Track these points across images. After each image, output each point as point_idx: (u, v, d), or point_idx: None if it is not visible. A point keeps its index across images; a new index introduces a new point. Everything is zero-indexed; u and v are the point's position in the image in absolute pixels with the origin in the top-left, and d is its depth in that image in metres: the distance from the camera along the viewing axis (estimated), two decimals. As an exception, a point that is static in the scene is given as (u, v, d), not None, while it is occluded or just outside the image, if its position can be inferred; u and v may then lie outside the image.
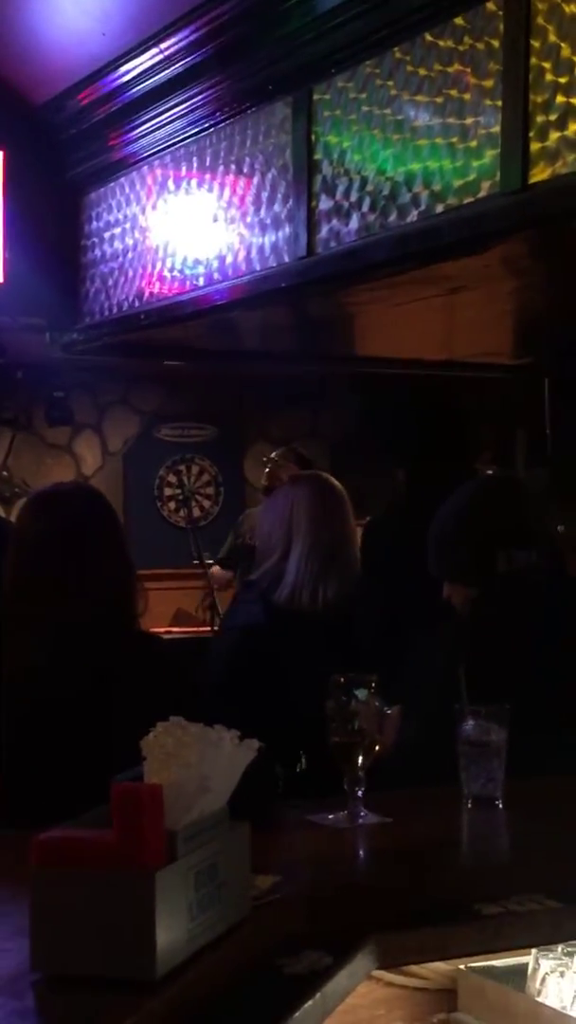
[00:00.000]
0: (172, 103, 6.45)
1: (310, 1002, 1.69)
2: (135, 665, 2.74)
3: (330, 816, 2.47)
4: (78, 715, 2.66)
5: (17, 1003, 1.62)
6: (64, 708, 2.67)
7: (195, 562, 8.54)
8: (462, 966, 2.26)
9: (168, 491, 10.38)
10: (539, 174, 4.46)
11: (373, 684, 2.56)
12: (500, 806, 2.54)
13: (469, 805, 2.56)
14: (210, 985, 1.70)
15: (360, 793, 2.49)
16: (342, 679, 2.56)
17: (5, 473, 9.70)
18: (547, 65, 4.42)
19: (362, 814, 2.47)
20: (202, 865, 1.76)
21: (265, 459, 7.98)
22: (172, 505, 10.37)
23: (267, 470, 7.65)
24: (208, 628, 8.29)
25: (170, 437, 10.50)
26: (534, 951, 2.23)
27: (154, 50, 6.22)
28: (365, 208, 5.29)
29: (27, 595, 2.78)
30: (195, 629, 8.52)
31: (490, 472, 6.14)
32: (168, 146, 6.71)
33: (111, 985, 1.62)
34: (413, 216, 5.03)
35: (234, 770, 1.88)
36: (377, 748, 2.54)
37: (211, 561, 8.45)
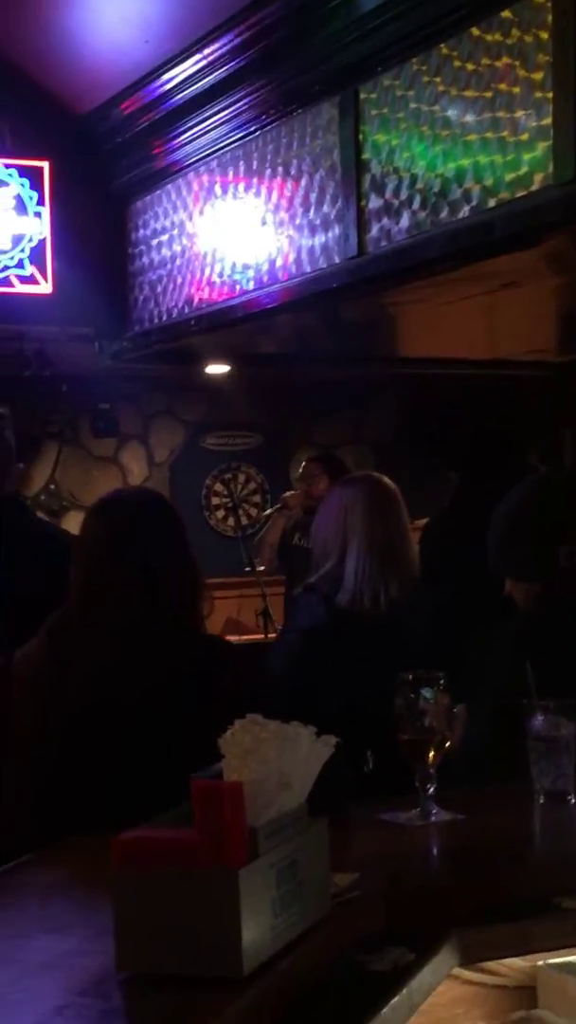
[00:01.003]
0: (216, 108, 6.47)
1: (397, 998, 1.69)
2: (203, 666, 2.74)
3: (402, 814, 2.47)
4: (145, 715, 2.67)
5: (104, 1004, 1.63)
6: (130, 708, 2.67)
7: (247, 569, 8.53)
8: (540, 962, 2.24)
9: (215, 500, 10.40)
10: (593, 163, 4.46)
11: (441, 681, 2.56)
12: (573, 801, 2.52)
13: (541, 801, 2.54)
14: (295, 982, 1.70)
15: (431, 791, 2.48)
16: (410, 677, 2.56)
17: (52, 486, 9.74)
18: (598, 53, 4.41)
19: (434, 811, 2.46)
20: (283, 862, 1.76)
21: (290, 491, 8.00)
22: (220, 514, 10.38)
23: (300, 490, 7.67)
24: (261, 635, 8.28)
25: (216, 446, 10.52)
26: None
27: (197, 56, 6.24)
28: (416, 206, 5.29)
29: (94, 601, 2.78)
30: (248, 637, 8.52)
31: (545, 469, 6.12)
32: (214, 151, 6.73)
33: (197, 983, 1.63)
34: (464, 212, 5.03)
35: (312, 766, 1.88)
36: (447, 745, 2.53)
37: (262, 568, 8.40)
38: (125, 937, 1.68)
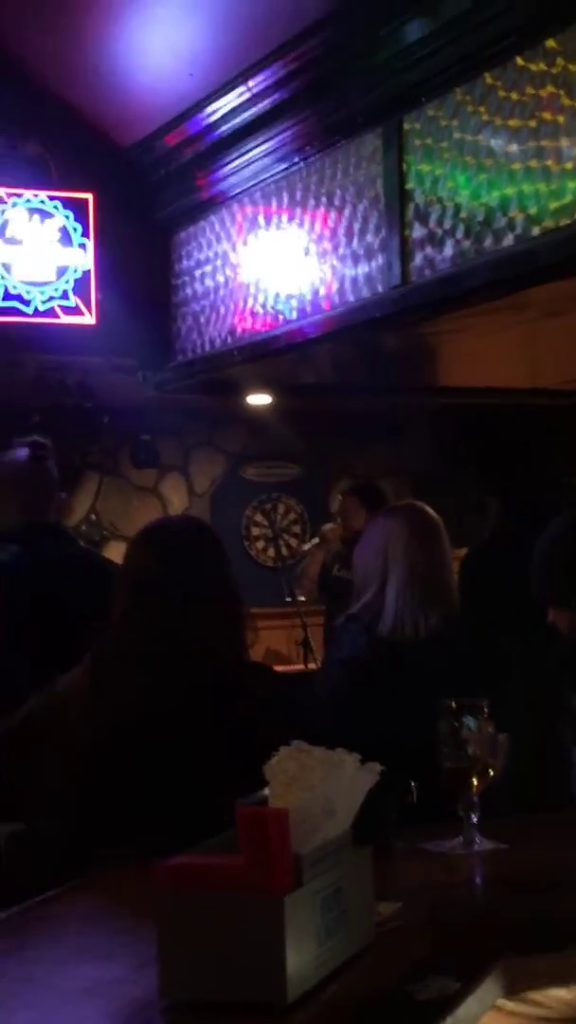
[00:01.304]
0: (260, 140, 6.50)
1: (442, 1027, 1.67)
2: (248, 692, 2.73)
3: (446, 843, 2.46)
4: (181, 737, 2.66)
5: (148, 1030, 1.62)
6: (165, 729, 2.67)
7: (287, 600, 8.52)
8: (586, 995, 2.22)
9: (256, 531, 10.40)
10: None
11: (485, 709, 2.55)
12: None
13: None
14: (339, 1010, 1.69)
15: (475, 819, 2.47)
16: (453, 704, 2.55)
17: (93, 516, 9.77)
18: None
19: (477, 840, 2.46)
20: (328, 890, 1.76)
21: (329, 524, 7.99)
22: (260, 544, 10.38)
23: (337, 524, 7.66)
24: (302, 665, 8.27)
25: (256, 477, 10.52)
26: None
27: (241, 87, 6.28)
28: (459, 235, 5.30)
29: (137, 629, 2.78)
30: (288, 667, 8.50)
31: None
32: (257, 183, 6.76)
33: (241, 1011, 1.63)
34: (509, 240, 5.03)
35: (356, 793, 1.88)
36: (491, 773, 2.52)
37: (303, 599, 8.41)
38: (169, 963, 1.68)
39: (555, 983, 2.05)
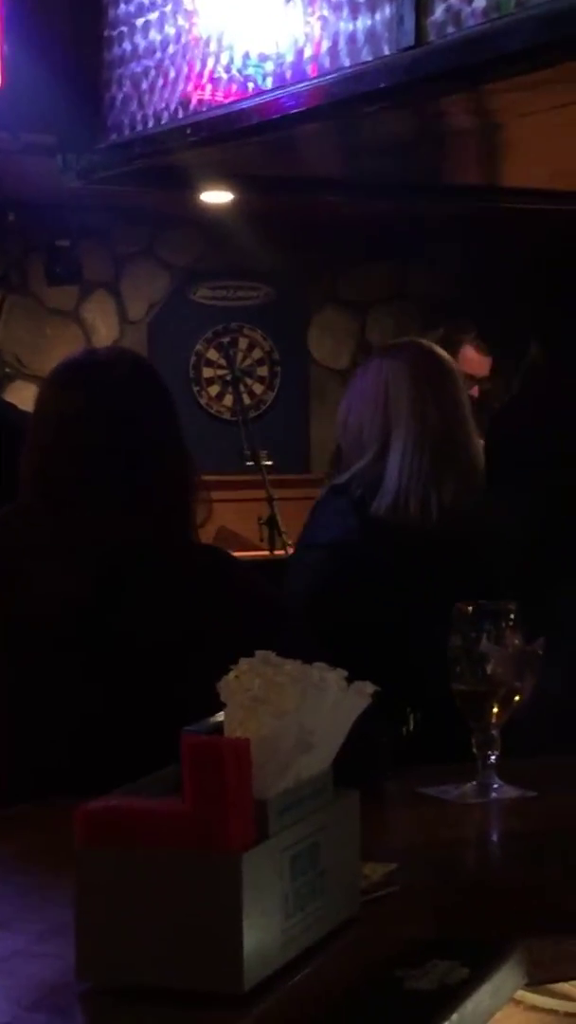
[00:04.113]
0: None
1: (444, 1025, 1.70)
2: (201, 588, 2.74)
3: (455, 789, 2.49)
4: (131, 658, 2.67)
5: (61, 1021, 1.64)
6: (110, 651, 2.68)
7: (248, 464, 8.53)
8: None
9: (208, 372, 10.40)
10: None
11: (512, 616, 2.56)
12: None
13: None
14: (311, 1001, 1.71)
15: (493, 759, 2.50)
16: (469, 609, 2.57)
17: (-7, 348, 9.75)
18: None
19: (496, 785, 2.49)
20: (301, 846, 1.77)
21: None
22: (214, 390, 10.38)
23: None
24: (266, 551, 8.30)
25: (210, 300, 10.52)
26: None
27: None
28: (495, -21, 5.25)
29: (55, 501, 2.77)
30: (247, 553, 8.54)
31: None
32: None
33: (183, 999, 1.64)
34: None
35: (341, 722, 1.89)
36: (516, 699, 2.54)
37: (269, 463, 8.43)
38: (88, 936, 1.70)
39: (591, 971, 2.10)
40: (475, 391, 7.06)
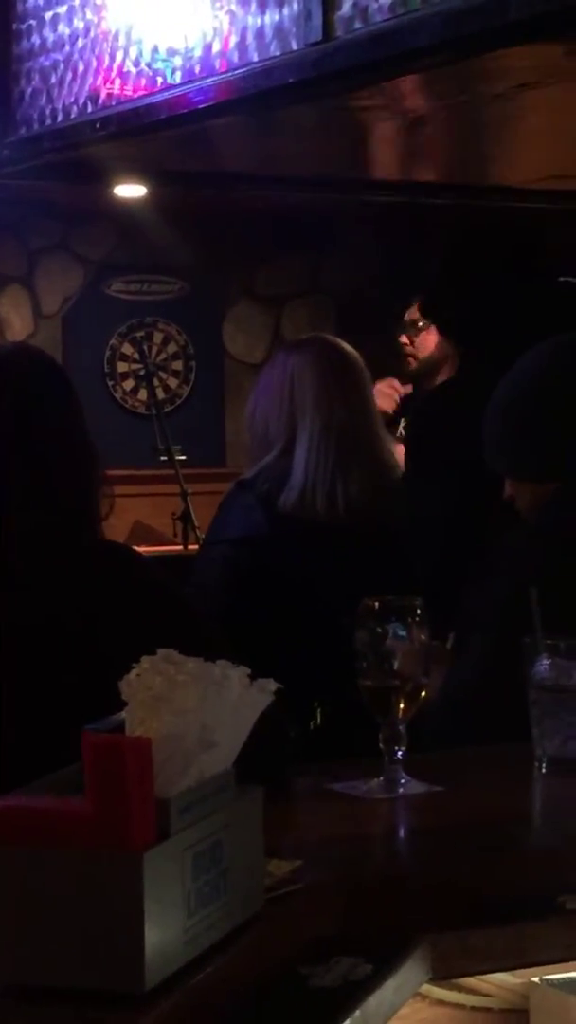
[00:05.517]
0: None
1: (347, 1022, 1.70)
2: (103, 586, 2.74)
3: (361, 784, 2.49)
4: (30, 657, 2.67)
5: (-41, 1022, 1.64)
6: (11, 649, 2.67)
7: (162, 459, 8.54)
8: (535, 978, 2.27)
9: (123, 366, 10.37)
10: None
11: (418, 611, 2.57)
12: (585, 771, 2.55)
13: (543, 770, 2.57)
14: (214, 999, 1.71)
15: (400, 754, 2.51)
16: (375, 605, 2.57)
17: None
18: None
19: (403, 781, 2.49)
20: (203, 845, 1.77)
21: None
22: (128, 384, 10.35)
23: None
24: (180, 546, 8.31)
25: (125, 294, 10.49)
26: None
27: None
28: (402, -24, 5.25)
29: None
30: (161, 548, 8.54)
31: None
32: None
33: (83, 999, 1.64)
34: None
35: (244, 719, 1.89)
36: (423, 694, 2.55)
37: (183, 458, 8.45)
38: (-11, 937, 1.69)
39: (497, 966, 2.10)
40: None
